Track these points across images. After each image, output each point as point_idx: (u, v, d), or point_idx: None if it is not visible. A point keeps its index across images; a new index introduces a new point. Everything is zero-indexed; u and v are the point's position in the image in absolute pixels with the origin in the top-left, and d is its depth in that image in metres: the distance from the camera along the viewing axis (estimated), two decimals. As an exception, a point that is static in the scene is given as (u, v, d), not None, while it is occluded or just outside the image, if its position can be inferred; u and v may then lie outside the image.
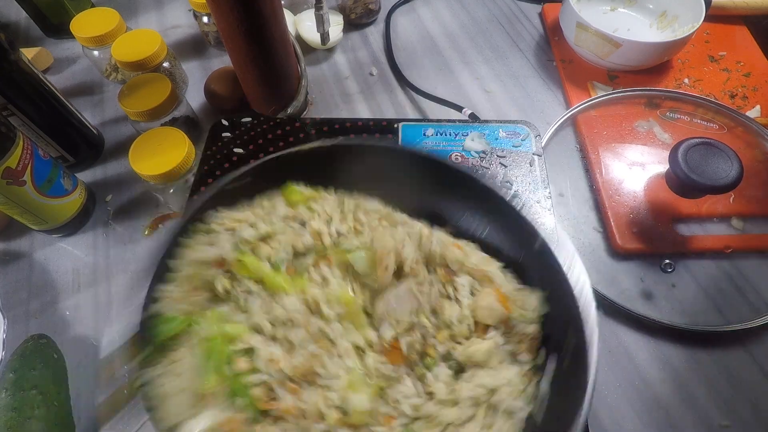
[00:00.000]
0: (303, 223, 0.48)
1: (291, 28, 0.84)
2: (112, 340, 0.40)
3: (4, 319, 0.57)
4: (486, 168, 0.65)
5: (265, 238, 0.46)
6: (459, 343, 0.43)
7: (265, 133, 0.70)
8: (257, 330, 0.41)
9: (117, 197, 0.72)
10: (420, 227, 0.48)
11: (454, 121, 0.70)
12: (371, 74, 0.86)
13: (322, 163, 0.51)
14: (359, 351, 0.42)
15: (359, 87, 0.84)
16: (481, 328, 0.44)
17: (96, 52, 0.80)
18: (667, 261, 0.62)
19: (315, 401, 0.38)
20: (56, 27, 0.91)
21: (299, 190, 0.50)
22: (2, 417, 0.47)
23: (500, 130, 0.69)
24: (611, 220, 0.64)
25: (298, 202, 0.49)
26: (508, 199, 0.46)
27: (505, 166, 0.65)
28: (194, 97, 0.83)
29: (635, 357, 0.57)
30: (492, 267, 0.46)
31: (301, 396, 0.39)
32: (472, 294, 0.45)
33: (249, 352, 0.41)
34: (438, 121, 0.71)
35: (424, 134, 0.69)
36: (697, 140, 0.59)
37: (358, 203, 0.50)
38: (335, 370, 0.40)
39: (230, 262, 0.44)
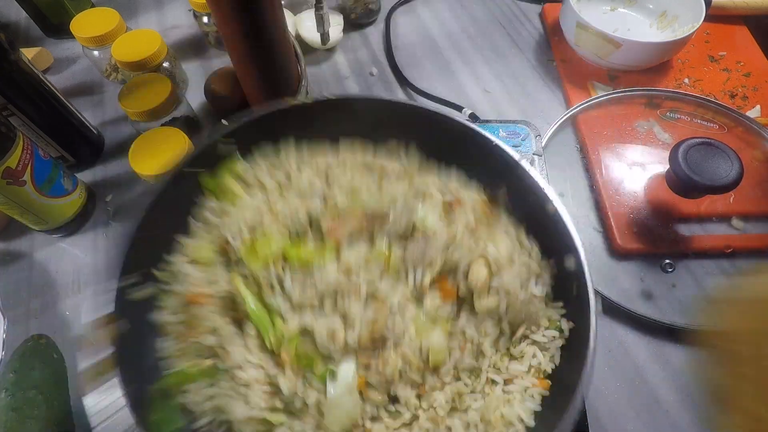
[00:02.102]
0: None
1: (291, 28, 0.84)
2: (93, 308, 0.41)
3: (4, 319, 0.57)
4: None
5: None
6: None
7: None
8: (301, 307, 0.42)
9: (117, 197, 0.72)
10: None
11: (454, 121, 0.70)
12: (371, 74, 0.86)
13: (320, 117, 0.53)
14: (413, 300, 0.44)
15: (359, 87, 0.84)
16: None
17: (96, 52, 0.80)
18: (667, 261, 0.62)
19: (394, 362, 0.40)
20: (56, 27, 0.91)
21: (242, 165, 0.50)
22: (2, 417, 0.47)
23: (500, 130, 0.69)
24: (611, 220, 0.64)
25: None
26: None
27: (505, 166, 0.65)
28: (194, 97, 0.83)
29: (635, 357, 0.57)
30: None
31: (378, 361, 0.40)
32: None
33: (305, 333, 0.41)
34: (438, 121, 0.71)
35: (424, 134, 0.69)
36: (697, 140, 0.59)
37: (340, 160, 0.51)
38: (400, 327, 0.41)
39: (236, 253, 0.44)
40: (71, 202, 0.66)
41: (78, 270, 0.66)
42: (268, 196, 0.48)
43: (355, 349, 0.41)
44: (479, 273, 0.44)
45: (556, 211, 0.45)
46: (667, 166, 0.60)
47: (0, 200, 0.58)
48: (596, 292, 0.43)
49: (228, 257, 0.45)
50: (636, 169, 0.68)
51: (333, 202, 0.47)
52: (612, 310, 0.59)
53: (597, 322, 0.41)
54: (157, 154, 0.62)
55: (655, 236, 0.63)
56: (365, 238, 0.46)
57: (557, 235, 0.45)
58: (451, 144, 0.52)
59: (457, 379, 0.44)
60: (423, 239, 0.45)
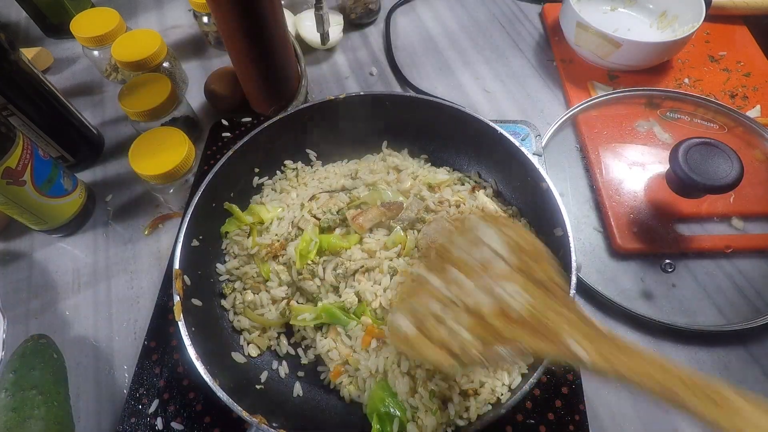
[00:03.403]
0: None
1: (291, 28, 0.84)
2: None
3: (4, 319, 0.57)
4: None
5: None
6: None
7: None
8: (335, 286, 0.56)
9: (117, 197, 0.72)
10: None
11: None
12: (371, 74, 0.86)
13: (337, 114, 0.65)
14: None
15: (359, 87, 0.84)
16: None
17: (96, 52, 0.80)
18: (667, 261, 0.62)
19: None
20: (56, 27, 0.91)
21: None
22: (2, 417, 0.47)
23: (500, 130, 0.69)
24: (611, 220, 0.64)
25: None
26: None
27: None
28: (194, 97, 0.83)
29: (635, 357, 0.57)
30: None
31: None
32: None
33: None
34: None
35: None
36: (697, 140, 0.59)
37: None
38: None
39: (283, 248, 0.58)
40: (71, 202, 0.66)
41: (78, 270, 0.66)
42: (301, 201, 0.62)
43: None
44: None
45: (548, 188, 0.54)
46: (667, 166, 0.60)
47: (0, 200, 0.58)
48: (579, 277, 0.50)
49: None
50: (636, 169, 0.68)
51: (356, 196, 0.61)
52: (612, 310, 0.59)
53: (577, 280, 0.49)
54: (157, 154, 0.62)
55: (655, 236, 0.63)
56: (384, 227, 0.58)
57: (549, 211, 0.54)
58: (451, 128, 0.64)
59: None
60: (435, 222, 0.57)
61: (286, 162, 0.67)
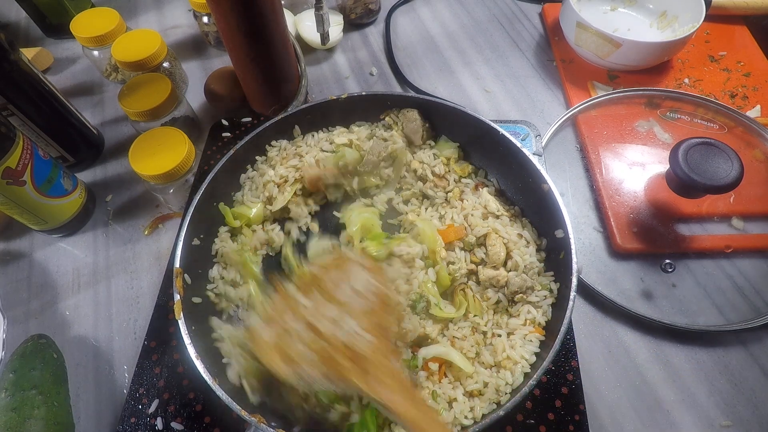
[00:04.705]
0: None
1: (291, 28, 0.84)
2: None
3: (4, 319, 0.57)
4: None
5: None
6: None
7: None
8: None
9: (117, 197, 0.72)
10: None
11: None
12: (371, 74, 0.86)
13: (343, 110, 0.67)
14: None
15: (359, 87, 0.84)
16: None
17: (96, 52, 0.80)
18: (667, 261, 0.62)
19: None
20: (56, 27, 0.91)
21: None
22: (2, 417, 0.47)
23: (500, 130, 0.69)
24: (611, 220, 0.64)
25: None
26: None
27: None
28: (194, 97, 0.83)
29: (635, 357, 0.57)
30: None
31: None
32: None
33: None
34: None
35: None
36: (697, 140, 0.59)
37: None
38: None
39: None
40: (71, 202, 0.66)
41: (78, 270, 0.66)
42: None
43: None
44: (499, 251, 0.56)
45: (549, 189, 0.55)
46: (667, 166, 0.60)
47: (0, 200, 0.58)
48: (578, 272, 0.51)
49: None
50: (636, 169, 0.68)
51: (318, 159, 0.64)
52: (612, 310, 0.59)
53: (577, 281, 0.50)
54: (157, 154, 0.62)
55: (655, 236, 0.63)
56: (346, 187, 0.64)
57: (550, 212, 0.55)
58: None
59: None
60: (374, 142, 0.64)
61: (267, 147, 0.66)
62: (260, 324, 0.44)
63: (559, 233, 0.54)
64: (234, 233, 0.62)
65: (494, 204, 0.61)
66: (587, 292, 0.61)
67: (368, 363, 0.40)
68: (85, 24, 0.76)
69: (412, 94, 0.80)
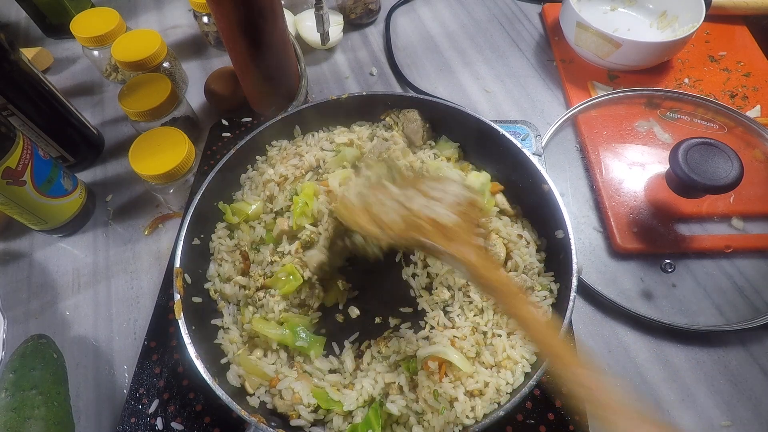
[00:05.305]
0: None
1: (291, 28, 0.84)
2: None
3: (4, 319, 0.57)
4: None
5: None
6: None
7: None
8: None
9: (117, 197, 0.72)
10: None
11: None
12: (371, 74, 0.86)
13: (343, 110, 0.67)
14: None
15: (359, 87, 0.84)
16: None
17: (96, 52, 0.80)
18: (667, 261, 0.62)
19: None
20: (56, 27, 0.91)
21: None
22: (2, 417, 0.47)
23: (500, 130, 0.69)
24: (611, 220, 0.64)
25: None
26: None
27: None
28: (194, 97, 0.83)
29: (635, 357, 0.57)
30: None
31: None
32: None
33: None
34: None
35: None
36: (697, 140, 0.59)
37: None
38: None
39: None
40: (71, 202, 0.66)
41: (78, 270, 0.66)
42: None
43: None
44: (499, 252, 0.56)
45: (550, 190, 0.55)
46: (667, 166, 0.60)
47: (0, 200, 0.58)
48: (578, 273, 0.51)
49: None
50: (636, 169, 0.68)
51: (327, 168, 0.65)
52: (612, 310, 0.59)
53: (577, 282, 0.50)
54: (157, 154, 0.62)
55: (655, 236, 0.63)
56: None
57: (550, 212, 0.55)
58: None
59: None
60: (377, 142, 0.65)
61: (267, 146, 0.66)
62: (351, 193, 0.49)
63: (559, 233, 0.54)
64: (231, 229, 0.61)
65: (505, 203, 0.61)
66: (587, 292, 0.61)
67: (452, 233, 0.42)
68: (85, 24, 0.76)
69: (412, 94, 0.80)
